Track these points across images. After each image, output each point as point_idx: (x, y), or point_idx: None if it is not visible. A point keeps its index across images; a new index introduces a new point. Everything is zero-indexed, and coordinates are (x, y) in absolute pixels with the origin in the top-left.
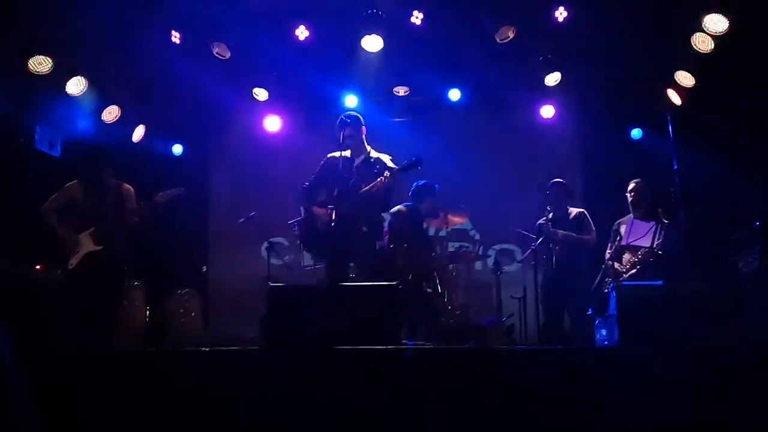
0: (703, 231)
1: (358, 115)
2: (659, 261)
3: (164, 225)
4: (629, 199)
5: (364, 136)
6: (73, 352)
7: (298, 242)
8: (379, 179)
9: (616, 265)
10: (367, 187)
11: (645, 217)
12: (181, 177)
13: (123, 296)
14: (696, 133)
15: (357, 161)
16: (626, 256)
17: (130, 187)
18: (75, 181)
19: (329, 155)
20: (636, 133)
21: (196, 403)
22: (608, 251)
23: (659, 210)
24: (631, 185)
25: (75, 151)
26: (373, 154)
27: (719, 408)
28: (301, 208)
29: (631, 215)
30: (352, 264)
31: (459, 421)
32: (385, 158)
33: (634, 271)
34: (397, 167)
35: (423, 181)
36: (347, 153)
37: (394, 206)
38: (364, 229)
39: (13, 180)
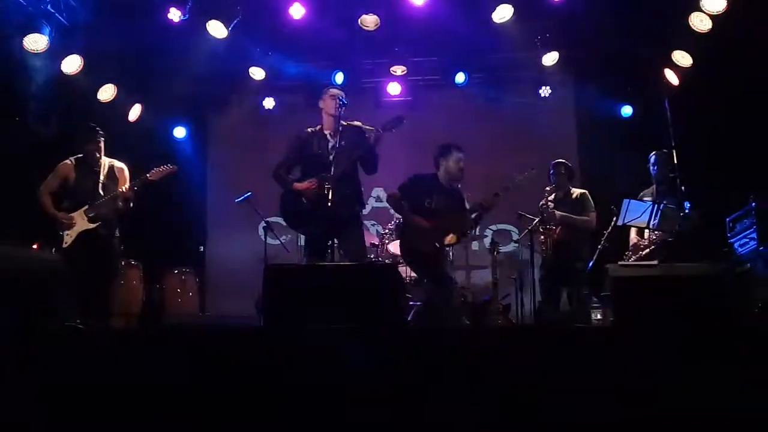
0: (700, 212)
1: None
2: (674, 242)
3: (161, 204)
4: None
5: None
6: (71, 332)
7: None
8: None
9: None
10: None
11: (669, 192)
12: (178, 156)
13: (119, 274)
14: (693, 113)
15: (332, 137)
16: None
17: (123, 165)
18: (67, 160)
19: (302, 131)
20: (626, 110)
21: (191, 381)
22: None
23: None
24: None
25: (67, 130)
26: (344, 122)
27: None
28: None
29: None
30: (335, 242)
31: (460, 401)
32: (357, 123)
33: (647, 251)
34: (379, 127)
35: None
36: (317, 129)
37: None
38: (357, 208)
39: (6, 159)
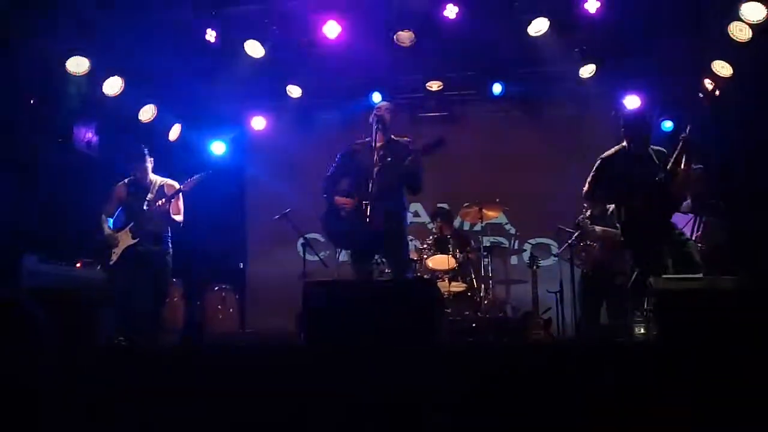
0: (743, 224)
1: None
2: (703, 254)
3: (201, 222)
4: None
5: (389, 123)
6: (116, 350)
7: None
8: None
9: None
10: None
11: (699, 207)
12: (218, 174)
13: (168, 291)
14: (734, 124)
15: (379, 147)
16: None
17: (174, 182)
18: (121, 182)
19: (352, 144)
20: (667, 125)
21: (234, 398)
22: None
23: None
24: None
25: (113, 151)
26: (393, 137)
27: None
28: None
29: None
30: (377, 257)
31: (498, 415)
32: (406, 139)
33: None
34: (419, 147)
35: None
36: (366, 142)
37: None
38: (400, 222)
39: (53, 179)
